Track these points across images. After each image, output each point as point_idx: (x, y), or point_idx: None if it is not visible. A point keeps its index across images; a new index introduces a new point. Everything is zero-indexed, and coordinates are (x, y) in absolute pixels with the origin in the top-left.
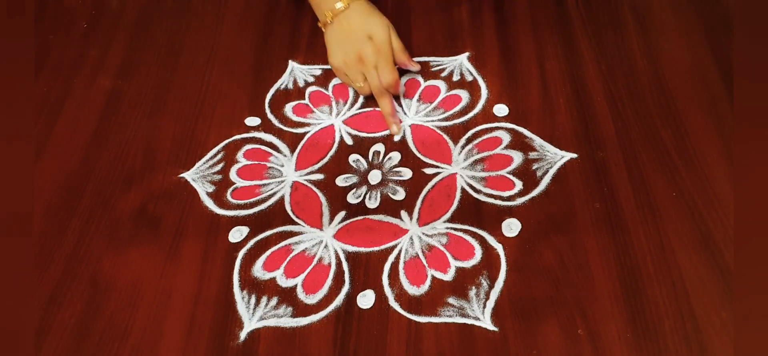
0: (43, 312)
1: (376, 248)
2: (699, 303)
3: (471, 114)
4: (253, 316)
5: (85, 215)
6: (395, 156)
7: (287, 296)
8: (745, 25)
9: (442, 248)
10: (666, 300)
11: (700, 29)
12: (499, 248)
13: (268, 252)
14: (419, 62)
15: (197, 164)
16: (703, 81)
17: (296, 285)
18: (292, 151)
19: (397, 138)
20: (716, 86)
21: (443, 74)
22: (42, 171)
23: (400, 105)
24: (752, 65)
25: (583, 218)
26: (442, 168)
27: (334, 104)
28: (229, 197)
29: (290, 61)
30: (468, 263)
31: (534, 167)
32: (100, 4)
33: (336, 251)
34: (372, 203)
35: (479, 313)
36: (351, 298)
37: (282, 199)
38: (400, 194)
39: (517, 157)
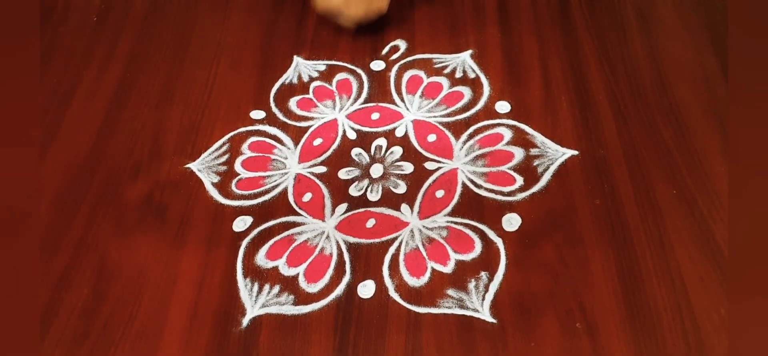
0: (51, 297)
1: (377, 240)
2: (697, 300)
3: (473, 111)
4: (256, 303)
5: (93, 203)
6: (397, 150)
7: (289, 284)
8: (740, 25)
9: (442, 241)
10: (665, 295)
11: (703, 30)
12: (498, 242)
13: (271, 242)
14: (422, 59)
15: (203, 155)
16: (705, 81)
17: (298, 274)
18: (296, 144)
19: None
20: (719, 87)
21: (446, 71)
22: (51, 160)
23: (402, 100)
24: (748, 64)
25: (584, 214)
26: (444, 163)
27: (337, 98)
28: (233, 188)
29: (295, 57)
30: (468, 257)
31: (535, 164)
32: None
33: (337, 242)
34: (373, 196)
35: (478, 305)
36: (352, 288)
37: (285, 190)
38: (402, 188)
39: (519, 153)
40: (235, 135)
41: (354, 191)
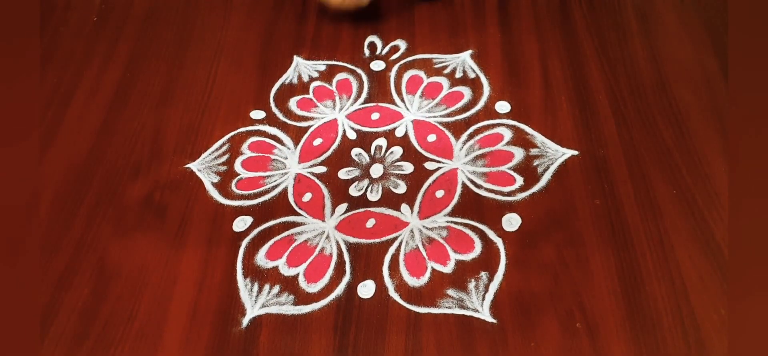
0: (51, 297)
1: (377, 240)
2: (697, 300)
3: (473, 111)
4: (256, 303)
5: (93, 203)
6: (397, 150)
7: (289, 284)
8: (740, 25)
9: (442, 241)
10: (665, 295)
11: (703, 30)
12: (498, 242)
13: (271, 242)
14: (423, 59)
15: (203, 155)
16: (705, 81)
17: (298, 274)
18: (296, 144)
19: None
20: (718, 87)
21: (446, 71)
22: (52, 160)
23: (402, 100)
24: (748, 64)
25: (584, 214)
26: (444, 163)
27: (337, 98)
28: (233, 188)
29: (295, 57)
30: (468, 257)
31: (535, 164)
32: None
33: (337, 242)
34: (373, 196)
35: (478, 305)
36: (352, 288)
37: (285, 190)
38: (402, 188)
39: (519, 153)
40: (235, 135)
41: (354, 191)
